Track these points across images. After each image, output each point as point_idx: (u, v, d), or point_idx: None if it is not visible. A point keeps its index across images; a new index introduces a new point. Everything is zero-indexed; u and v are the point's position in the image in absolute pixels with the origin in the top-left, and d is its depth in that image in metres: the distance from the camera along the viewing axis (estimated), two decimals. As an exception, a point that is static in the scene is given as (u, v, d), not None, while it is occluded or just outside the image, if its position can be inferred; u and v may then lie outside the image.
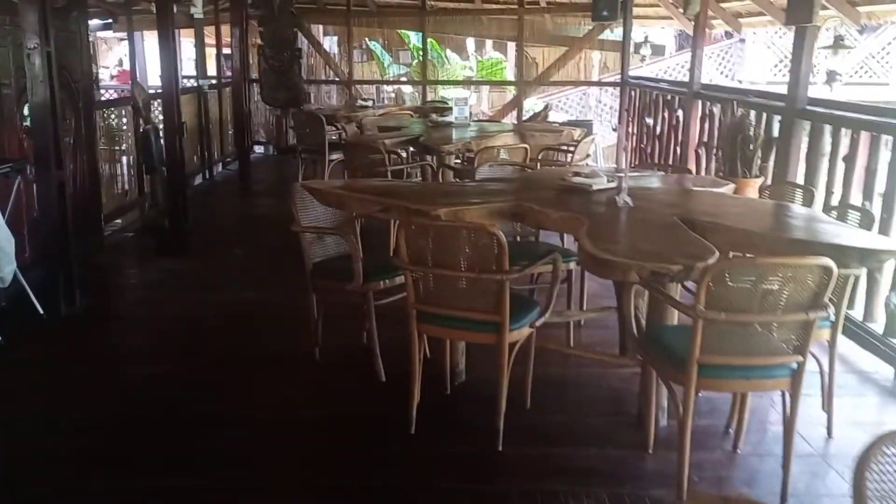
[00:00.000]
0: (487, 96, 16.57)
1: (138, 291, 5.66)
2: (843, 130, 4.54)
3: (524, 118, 10.62)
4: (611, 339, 4.10)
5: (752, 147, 5.10)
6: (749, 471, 3.09)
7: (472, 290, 3.09)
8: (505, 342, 3.08)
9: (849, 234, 3.01)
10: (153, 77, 10.00)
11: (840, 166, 4.53)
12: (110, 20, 12.02)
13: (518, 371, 3.29)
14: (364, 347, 3.95)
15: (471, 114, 8.37)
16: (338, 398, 3.74)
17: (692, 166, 6.62)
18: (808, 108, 4.91)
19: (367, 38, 15.67)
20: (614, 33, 11.78)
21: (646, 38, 11.19)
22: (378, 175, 5.93)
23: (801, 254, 2.73)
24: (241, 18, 10.10)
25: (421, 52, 12.32)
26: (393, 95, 15.05)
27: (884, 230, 3.94)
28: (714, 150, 6.33)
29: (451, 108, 9.00)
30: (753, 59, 15.13)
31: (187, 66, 12.75)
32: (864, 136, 4.34)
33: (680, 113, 7.33)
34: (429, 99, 11.47)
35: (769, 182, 5.14)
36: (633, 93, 9.28)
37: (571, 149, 6.30)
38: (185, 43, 13.49)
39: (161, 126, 6.38)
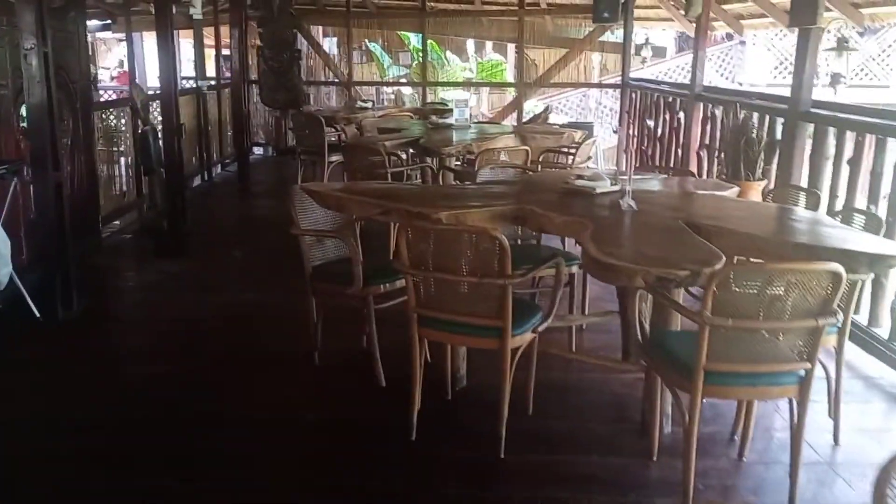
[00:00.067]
0: (487, 98, 16.54)
1: (137, 293, 5.62)
2: (848, 133, 4.50)
3: (524, 120, 10.59)
4: (613, 344, 4.05)
5: (755, 150, 5.06)
6: (755, 479, 3.05)
7: (473, 294, 3.05)
8: (507, 348, 3.03)
9: (857, 239, 2.97)
10: (152, 78, 9.96)
11: (844, 169, 4.49)
12: (109, 21, 12.00)
13: (520, 376, 3.24)
14: (364, 351, 3.90)
15: (471, 115, 8.33)
16: (337, 403, 3.70)
17: (693, 169, 6.58)
18: (812, 110, 4.87)
19: (366, 40, 15.63)
20: (615, 35, 11.76)
21: (646, 39, 11.15)
22: (378, 177, 5.89)
23: (809, 259, 2.68)
24: (240, 19, 10.07)
25: (421, 54, 12.28)
26: (393, 97, 15.02)
27: (889, 234, 3.90)
28: (716, 153, 6.29)
29: (451, 110, 8.97)
30: (753, 61, 15.09)
31: (187, 68, 12.71)
32: (869, 139, 4.30)
33: (681, 115, 7.29)
34: (428, 100, 11.44)
35: (772, 185, 5.10)
36: (633, 94, 9.24)
37: (572, 151, 6.26)
38: (185, 44, 13.46)
39: (159, 127, 6.35)
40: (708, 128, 6.61)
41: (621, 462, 3.15)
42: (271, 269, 5.76)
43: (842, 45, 6.91)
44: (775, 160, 5.21)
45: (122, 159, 7.51)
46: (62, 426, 3.44)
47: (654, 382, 3.10)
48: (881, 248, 2.81)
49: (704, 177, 6.24)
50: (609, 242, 2.84)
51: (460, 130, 6.95)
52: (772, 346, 2.66)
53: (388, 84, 15.72)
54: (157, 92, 6.81)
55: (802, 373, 2.69)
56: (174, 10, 6.83)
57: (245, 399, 3.72)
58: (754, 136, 5.12)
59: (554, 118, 10.81)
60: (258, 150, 12.18)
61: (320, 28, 14.44)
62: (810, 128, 4.96)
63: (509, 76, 15.92)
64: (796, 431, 2.75)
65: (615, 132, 10.05)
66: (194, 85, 9.99)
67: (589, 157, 6.32)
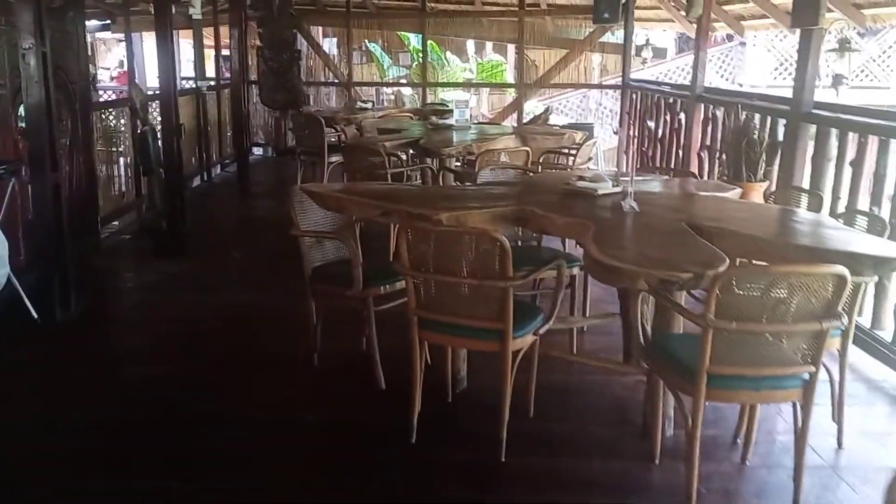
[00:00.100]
0: (487, 99, 16.51)
1: (135, 294, 5.59)
2: (850, 134, 4.48)
3: (525, 121, 10.56)
4: (614, 346, 4.02)
5: (756, 151, 5.03)
6: (758, 483, 3.02)
7: (474, 296, 3.02)
8: (508, 350, 3.01)
9: (861, 241, 2.94)
10: (152, 78, 9.94)
11: (847, 171, 4.46)
12: (108, 21, 11.98)
13: (521, 379, 3.21)
14: (364, 353, 3.87)
15: (471, 116, 8.31)
16: (337, 405, 3.67)
17: (694, 170, 6.56)
18: (814, 111, 4.84)
19: (366, 40, 15.61)
20: (615, 36, 11.74)
21: (647, 40, 11.14)
22: (378, 178, 5.87)
23: (814, 261, 2.66)
24: (239, 20, 10.05)
25: (420, 54, 12.26)
26: (392, 97, 15.00)
27: (893, 236, 3.86)
28: (717, 154, 6.27)
29: (451, 111, 8.95)
30: (754, 62, 15.07)
31: (186, 68, 12.68)
32: (873, 141, 4.27)
33: (682, 116, 7.27)
34: (428, 101, 11.41)
35: (773, 187, 5.08)
36: (634, 95, 9.21)
37: (573, 152, 6.24)
38: (185, 44, 13.43)
39: (159, 128, 6.32)
40: (709, 129, 6.59)
41: (623, 465, 3.12)
42: (271, 269, 5.73)
43: (844, 46, 6.89)
44: (777, 161, 5.19)
45: (122, 159, 7.49)
46: (60, 427, 3.43)
47: (656, 385, 3.08)
48: (886, 251, 2.78)
49: (705, 178, 6.21)
50: (611, 244, 2.81)
51: (460, 131, 6.93)
52: (775, 349, 2.63)
53: (387, 84, 15.70)
54: (157, 92, 6.80)
55: (807, 376, 2.66)
56: (173, 11, 6.80)
57: (244, 401, 3.70)
58: (756, 137, 5.10)
59: (554, 119, 10.78)
60: (258, 151, 12.16)
61: (320, 28, 14.42)
62: (812, 129, 4.94)
63: (509, 77, 15.90)
64: (800, 436, 2.73)
65: (615, 133, 10.03)
66: (194, 85, 9.96)
67: (589, 159, 6.30)
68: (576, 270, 3.99)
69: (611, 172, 4.53)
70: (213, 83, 10.65)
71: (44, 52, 4.44)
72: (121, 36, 14.23)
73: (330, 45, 15.05)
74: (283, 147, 11.57)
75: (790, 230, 3.27)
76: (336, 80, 12.73)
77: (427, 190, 5.10)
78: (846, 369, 3.23)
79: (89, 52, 8.93)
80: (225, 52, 11.15)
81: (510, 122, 11.06)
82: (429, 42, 12.02)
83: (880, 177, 4.19)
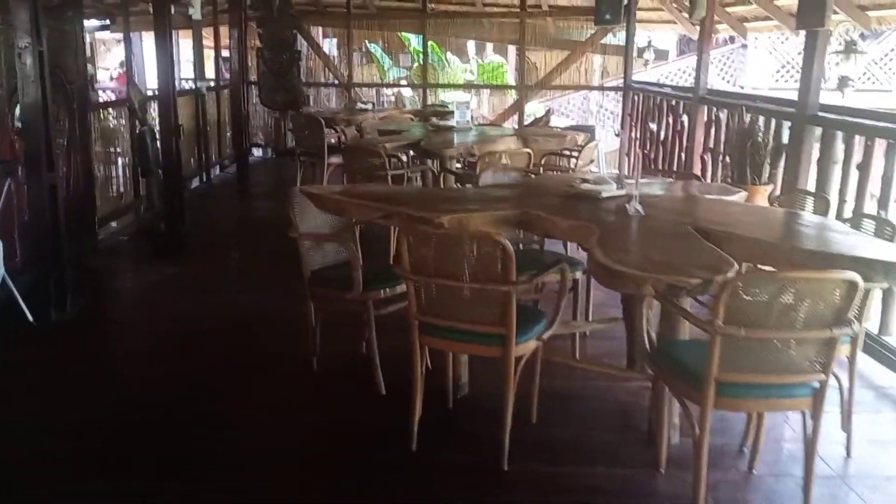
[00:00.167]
0: (488, 100, 16.45)
1: (133, 295, 5.56)
2: (857, 137, 4.42)
3: (526, 123, 10.51)
4: (617, 350, 3.97)
5: (761, 154, 4.98)
6: (766, 492, 2.96)
7: (476, 300, 2.97)
8: (511, 356, 2.95)
9: (872, 247, 2.89)
10: (152, 78, 9.88)
11: (853, 174, 4.41)
12: (108, 21, 11.93)
13: (523, 384, 3.15)
14: (363, 357, 3.82)
15: (472, 118, 8.26)
16: (336, 410, 3.61)
17: (697, 172, 6.50)
18: (820, 114, 4.79)
19: (366, 41, 15.55)
20: (617, 37, 11.68)
21: (649, 42, 11.09)
22: (378, 179, 5.82)
23: (824, 267, 2.60)
24: (239, 20, 10.00)
25: (421, 55, 12.21)
26: (393, 99, 14.94)
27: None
28: (720, 157, 6.22)
29: (451, 112, 8.90)
30: (755, 64, 15.03)
31: (186, 68, 12.63)
32: (880, 144, 4.22)
33: (685, 118, 7.22)
34: (429, 102, 11.36)
35: (778, 190, 5.03)
36: (636, 97, 9.16)
37: (575, 154, 6.19)
38: (185, 45, 13.37)
39: (157, 128, 6.27)
40: (712, 131, 6.53)
41: (627, 473, 3.07)
42: (270, 271, 5.68)
43: (850, 48, 6.84)
44: (781, 164, 5.13)
45: (120, 160, 7.43)
46: (59, 428, 3.40)
47: (662, 392, 3.02)
48: (897, 256, 2.73)
49: (708, 181, 6.16)
50: (617, 248, 2.76)
51: (461, 133, 6.88)
52: (785, 356, 2.57)
53: (388, 85, 15.64)
54: (156, 92, 6.74)
55: (816, 384, 2.61)
56: (173, 11, 6.75)
57: (243, 403, 3.68)
58: (760, 139, 5.05)
59: (555, 121, 10.73)
60: (257, 152, 12.11)
61: (320, 29, 14.36)
62: (817, 131, 4.89)
63: (510, 78, 15.84)
64: (810, 445, 2.67)
65: (617, 135, 9.98)
66: (193, 86, 9.91)
67: (591, 161, 6.25)
68: (578, 274, 3.94)
69: (613, 175, 4.47)
70: (212, 84, 10.59)
71: (40, 51, 4.39)
72: (120, 36, 14.17)
73: (330, 45, 14.99)
74: (283, 148, 11.52)
75: (799, 234, 3.22)
76: (336, 81, 12.67)
77: (428, 192, 5.05)
78: (855, 376, 3.17)
79: (88, 52, 8.89)
80: (225, 52, 11.09)
81: (511, 123, 11.02)
82: (429, 43, 11.97)
83: (888, 180, 4.13)
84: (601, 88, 14.08)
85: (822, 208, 3.84)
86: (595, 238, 2.83)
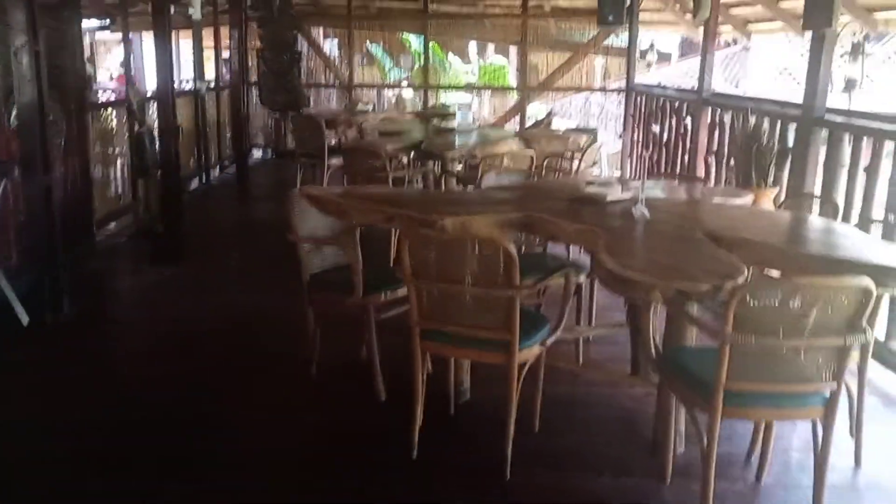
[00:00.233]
0: (489, 102, 16.39)
1: (130, 297, 5.50)
2: (865, 140, 4.36)
3: (528, 124, 10.45)
4: (621, 355, 3.91)
5: (766, 156, 4.92)
6: (775, 503, 2.90)
7: (479, 305, 2.91)
8: (514, 362, 2.89)
9: (885, 252, 2.82)
10: (152, 79, 9.82)
11: (860, 178, 4.35)
12: (108, 21, 11.88)
13: (526, 390, 3.09)
14: (363, 361, 3.76)
15: (474, 119, 8.21)
16: (335, 417, 3.55)
17: (701, 175, 6.44)
18: (827, 116, 4.73)
19: (368, 42, 15.49)
20: (619, 39, 11.62)
21: (652, 44, 11.03)
22: (378, 181, 5.76)
23: (837, 272, 2.53)
24: (240, 20, 9.95)
25: (422, 57, 12.15)
26: (394, 100, 14.87)
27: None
28: (725, 159, 6.15)
29: (453, 113, 8.84)
30: (758, 66, 14.97)
31: (187, 69, 12.57)
32: (888, 146, 4.16)
33: (688, 120, 7.15)
34: (430, 104, 11.30)
35: (784, 193, 4.96)
36: (638, 99, 9.10)
37: (577, 156, 6.13)
38: (186, 45, 13.31)
39: (156, 128, 6.21)
40: (716, 134, 6.47)
41: (633, 483, 3.00)
42: (269, 273, 5.61)
43: (857, 50, 6.77)
44: (787, 167, 5.07)
45: (119, 161, 7.37)
46: (58, 428, 3.39)
47: (668, 400, 2.96)
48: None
49: (712, 184, 6.10)
50: (624, 253, 2.69)
51: (463, 134, 6.82)
52: (796, 364, 2.51)
53: (389, 87, 15.57)
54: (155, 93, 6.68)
55: (828, 393, 2.55)
56: (173, 11, 6.69)
57: (242, 406, 3.64)
58: (766, 142, 4.98)
59: (556, 123, 10.67)
60: (257, 153, 12.04)
61: (321, 29, 14.30)
62: (823, 134, 4.82)
63: (512, 80, 15.76)
64: (821, 455, 2.61)
65: (619, 137, 9.92)
66: (193, 86, 9.85)
67: (594, 163, 6.19)
68: (582, 278, 3.87)
69: (616, 177, 4.42)
70: (213, 84, 10.53)
71: (37, 50, 4.34)
72: (120, 36, 14.12)
73: (331, 46, 14.93)
74: (283, 149, 11.46)
75: (810, 239, 3.16)
76: (337, 82, 12.61)
77: (430, 194, 4.99)
78: (864, 384, 3.10)
79: (88, 52, 8.83)
80: (225, 53, 11.03)
81: (512, 125, 10.95)
82: (430, 44, 11.91)
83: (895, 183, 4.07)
84: (603, 90, 14.03)
85: (829, 212, 3.78)
86: (602, 242, 2.77)
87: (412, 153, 6.63)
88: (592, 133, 8.14)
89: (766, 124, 5.24)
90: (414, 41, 14.88)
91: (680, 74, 14.42)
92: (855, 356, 2.99)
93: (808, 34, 4.95)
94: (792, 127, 5.07)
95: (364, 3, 11.66)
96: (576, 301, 4.04)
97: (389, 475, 3.05)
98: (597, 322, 4.35)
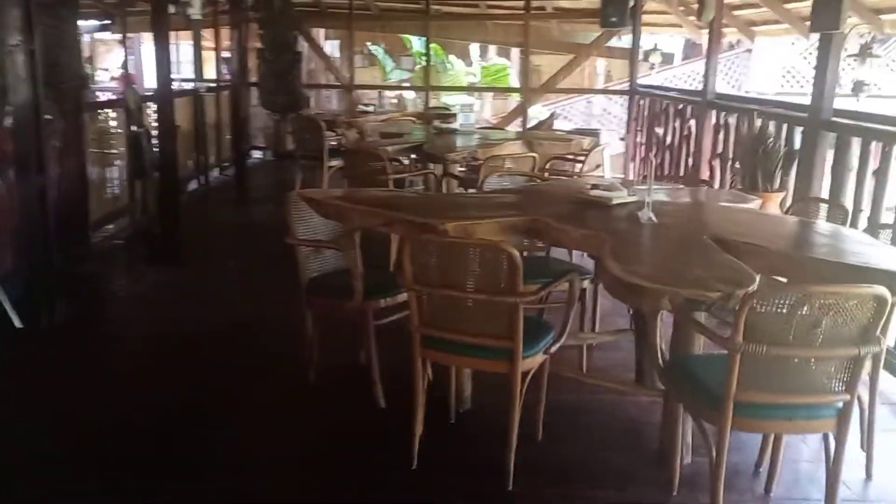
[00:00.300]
0: (491, 103, 16.33)
1: (127, 299, 5.42)
2: (874, 143, 4.28)
3: (530, 126, 10.37)
4: (626, 362, 3.84)
5: (773, 160, 4.84)
6: (785, 517, 2.83)
7: (481, 312, 2.83)
8: (517, 372, 2.81)
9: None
10: (151, 79, 9.75)
11: (869, 182, 4.27)
12: (108, 21, 11.82)
13: (528, 399, 3.01)
14: (362, 367, 3.68)
15: (476, 120, 8.15)
16: (333, 426, 3.46)
17: (705, 178, 6.37)
18: (834, 119, 4.65)
19: (368, 43, 15.44)
20: (622, 41, 11.55)
21: (655, 45, 10.96)
22: (379, 183, 5.68)
23: (851, 280, 2.46)
24: (240, 21, 9.87)
25: (423, 58, 12.08)
26: (395, 101, 14.82)
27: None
28: (730, 162, 6.08)
29: (454, 115, 8.77)
30: (760, 69, 14.89)
31: (187, 70, 12.50)
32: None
33: (692, 123, 7.08)
34: (431, 105, 11.23)
35: (790, 197, 4.89)
36: (642, 101, 9.03)
37: (580, 159, 6.06)
38: (186, 46, 13.25)
39: (154, 129, 6.14)
40: (721, 136, 6.39)
41: (639, 495, 2.93)
42: (268, 276, 5.52)
43: (865, 52, 6.70)
44: (793, 171, 5.00)
45: (117, 162, 7.30)
46: (57, 429, 3.36)
47: (674, 411, 2.88)
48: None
49: (717, 187, 6.03)
50: (631, 259, 2.62)
51: (465, 136, 6.75)
52: (808, 375, 2.43)
53: (390, 88, 15.52)
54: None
55: (841, 405, 2.47)
56: (173, 11, 6.63)
57: (242, 409, 3.61)
58: (773, 145, 4.91)
59: (558, 125, 10.59)
60: (257, 154, 11.95)
61: (322, 30, 14.23)
62: (831, 137, 4.74)
63: (513, 81, 15.70)
64: (833, 470, 2.52)
65: (622, 139, 9.85)
66: (193, 87, 9.79)
67: (598, 165, 6.12)
68: (586, 283, 3.79)
69: (620, 180, 4.35)
70: (213, 85, 10.46)
71: (32, 49, 4.26)
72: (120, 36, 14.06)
73: (332, 47, 14.88)
74: (283, 151, 11.37)
75: (822, 245, 3.09)
76: (338, 83, 12.53)
77: (431, 198, 4.90)
78: (876, 395, 3.03)
79: (87, 52, 8.77)
80: (225, 53, 10.96)
81: (514, 127, 10.87)
82: (432, 45, 11.83)
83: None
84: (606, 92, 13.98)
85: (838, 217, 3.70)
86: (608, 248, 2.69)
87: (413, 155, 6.56)
88: (595, 135, 8.08)
89: (772, 127, 5.17)
90: (415, 42, 14.83)
91: (684, 76, 14.35)
92: (867, 366, 2.92)
93: (814, 36, 4.88)
94: (798, 130, 5.00)
95: (365, 4, 11.58)
96: (579, 307, 3.96)
97: (388, 485, 2.97)
98: (601, 327, 4.26)
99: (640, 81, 9.52)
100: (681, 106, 7.55)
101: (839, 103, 4.79)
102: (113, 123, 7.25)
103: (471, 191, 5.42)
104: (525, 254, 4.28)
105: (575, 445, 3.27)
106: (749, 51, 14.62)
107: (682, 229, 3.12)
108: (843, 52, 7.08)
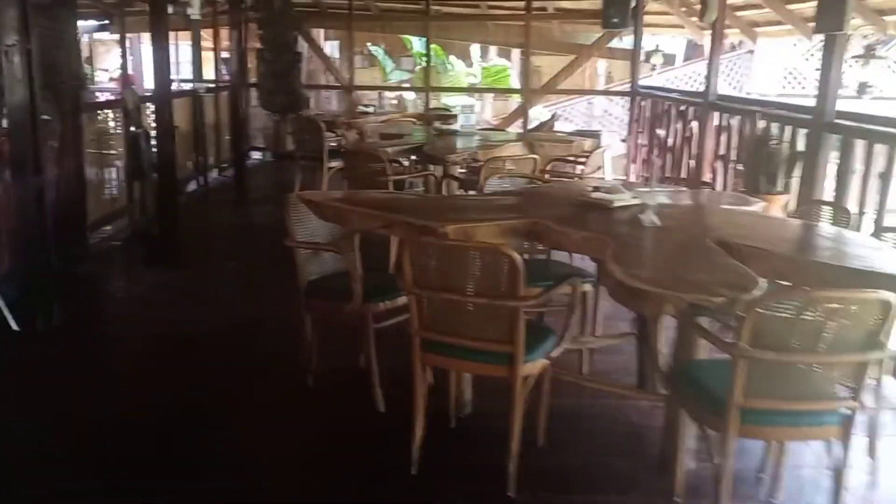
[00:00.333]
0: (491, 104, 16.29)
1: (125, 301, 5.39)
2: (878, 145, 4.25)
3: (531, 127, 10.34)
4: (627, 366, 3.80)
5: (776, 162, 4.81)
6: (789, 525, 2.79)
7: (482, 316, 2.79)
8: (518, 376, 2.77)
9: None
10: (150, 80, 9.72)
11: (873, 184, 4.24)
12: (107, 21, 11.79)
13: (529, 402, 2.97)
14: (361, 370, 3.64)
15: (477, 122, 8.12)
16: (332, 430, 3.43)
17: (708, 180, 6.34)
18: (838, 121, 4.62)
19: (368, 43, 15.40)
20: (623, 41, 11.52)
21: (657, 46, 10.93)
22: (379, 185, 5.64)
23: (858, 285, 2.42)
24: (239, 21, 9.84)
25: (424, 58, 12.05)
26: (395, 102, 14.78)
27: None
28: (733, 164, 6.04)
29: (455, 116, 8.74)
30: (762, 70, 14.86)
31: (186, 70, 12.47)
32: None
33: (694, 124, 7.04)
34: (432, 106, 11.20)
35: (794, 199, 4.86)
36: (643, 103, 8.99)
37: (582, 160, 6.03)
38: (185, 46, 13.22)
39: (153, 130, 6.12)
40: (723, 138, 6.36)
41: (641, 501, 2.90)
42: (268, 277, 5.48)
43: (869, 53, 6.67)
44: (796, 173, 4.96)
45: (116, 163, 7.27)
46: (57, 429, 3.36)
47: (677, 416, 2.84)
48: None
49: (718, 190, 5.99)
50: (633, 263, 2.58)
51: (465, 137, 6.72)
52: (813, 381, 2.39)
53: (390, 88, 15.49)
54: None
55: (846, 411, 2.43)
56: (172, 11, 6.60)
57: (242, 409, 3.61)
58: (776, 147, 4.87)
59: (559, 126, 10.56)
60: (256, 155, 11.92)
61: (322, 31, 14.20)
62: (834, 139, 4.71)
63: (514, 82, 15.67)
64: (838, 476, 2.48)
65: (624, 141, 9.81)
66: (192, 87, 9.76)
67: (599, 167, 6.08)
68: (587, 286, 3.76)
69: (622, 182, 4.32)
70: (212, 85, 10.42)
71: (28, 49, 4.23)
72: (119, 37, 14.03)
73: (332, 48, 14.85)
74: (283, 151, 11.34)
75: (826, 249, 3.05)
76: (338, 84, 12.50)
77: (431, 200, 4.87)
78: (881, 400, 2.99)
79: (86, 53, 8.74)
80: (224, 54, 10.93)
81: (515, 128, 10.84)
82: (432, 46, 11.80)
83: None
84: (607, 93, 13.94)
85: (842, 220, 3.66)
86: (610, 252, 2.65)
87: (413, 156, 6.53)
88: (596, 137, 8.05)
89: (775, 129, 5.13)
90: (415, 43, 14.80)
91: (685, 77, 14.31)
92: (872, 372, 2.89)
93: (816, 37, 4.85)
94: (802, 132, 4.96)
95: (365, 5, 11.55)
96: (580, 310, 3.92)
97: (387, 491, 2.94)
98: (602, 331, 4.22)
99: (641, 82, 9.49)
100: (682, 107, 7.52)
101: (843, 105, 4.76)
102: (111, 124, 7.22)
103: (471, 193, 5.39)
104: (526, 256, 4.25)
105: (576, 451, 3.23)
106: (751, 52, 14.59)
107: (684, 232, 3.08)
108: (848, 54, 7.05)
